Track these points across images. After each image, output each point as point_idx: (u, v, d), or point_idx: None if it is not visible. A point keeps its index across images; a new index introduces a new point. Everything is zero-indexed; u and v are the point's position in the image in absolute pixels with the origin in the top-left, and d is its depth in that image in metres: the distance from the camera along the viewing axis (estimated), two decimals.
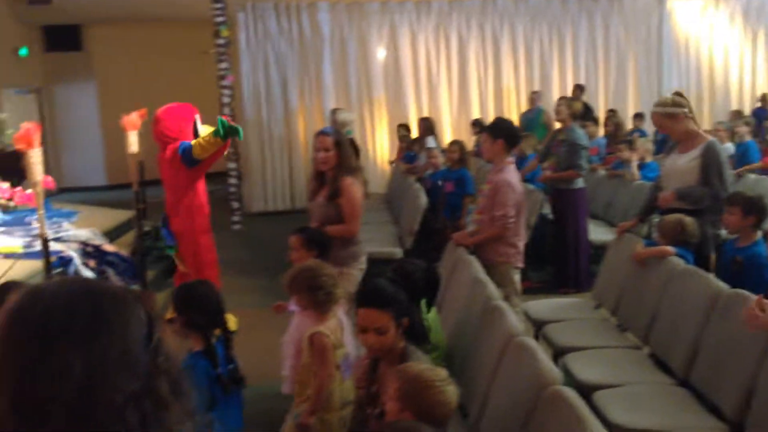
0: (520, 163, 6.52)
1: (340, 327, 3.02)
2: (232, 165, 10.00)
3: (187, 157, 5.04)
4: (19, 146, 4.54)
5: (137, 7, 12.05)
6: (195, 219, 5.33)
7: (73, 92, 13.86)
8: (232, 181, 10.05)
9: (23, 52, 12.17)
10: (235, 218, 10.01)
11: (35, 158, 4.54)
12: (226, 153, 5.49)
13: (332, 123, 7.18)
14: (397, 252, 6.44)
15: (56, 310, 0.89)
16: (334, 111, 7.66)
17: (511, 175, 4.54)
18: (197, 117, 5.43)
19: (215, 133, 4.79)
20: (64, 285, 0.95)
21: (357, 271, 4.20)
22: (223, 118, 4.86)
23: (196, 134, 5.28)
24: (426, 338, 2.79)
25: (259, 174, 11.03)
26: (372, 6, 11.11)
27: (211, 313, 3.06)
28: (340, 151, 4.19)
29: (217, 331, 3.08)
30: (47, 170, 5.28)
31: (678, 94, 4.72)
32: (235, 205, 10.06)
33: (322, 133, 4.29)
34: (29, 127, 4.51)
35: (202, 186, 5.41)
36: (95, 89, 13.89)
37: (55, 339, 0.86)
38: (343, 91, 11.09)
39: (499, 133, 4.56)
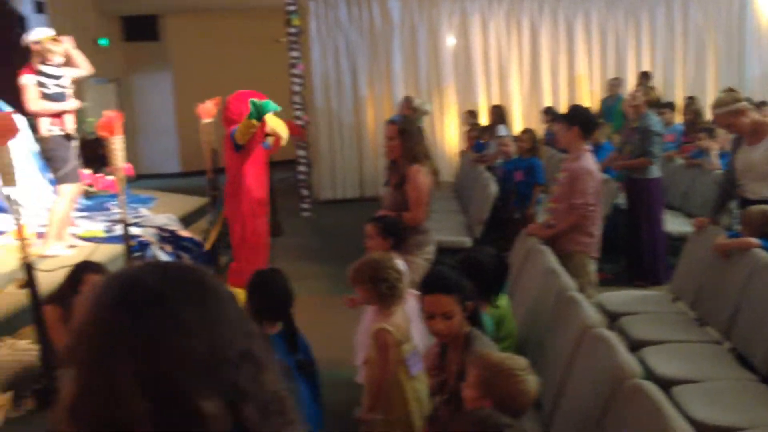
0: (595, 151, 6.37)
1: (406, 320, 3.00)
2: (301, 153, 10.11)
3: (233, 140, 5.08)
4: (102, 134, 4.71)
5: None
6: (242, 202, 5.31)
7: (149, 81, 14.26)
8: (302, 168, 10.16)
9: (104, 42, 12.57)
10: (304, 206, 10.13)
11: (117, 145, 4.69)
12: (269, 138, 5.40)
13: (403, 110, 7.16)
14: (466, 241, 6.40)
15: (165, 280, 0.89)
16: (408, 98, 7.63)
17: (589, 162, 4.45)
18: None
19: (249, 115, 4.77)
20: (154, 263, 0.96)
21: (422, 260, 4.19)
22: (253, 98, 4.84)
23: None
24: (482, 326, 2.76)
25: (328, 162, 11.12)
26: None
27: (272, 303, 3.05)
28: (404, 139, 4.20)
29: (278, 324, 3.07)
30: (126, 157, 5.42)
31: (730, 89, 4.65)
32: (305, 192, 10.18)
33: (388, 122, 4.34)
34: (112, 115, 4.67)
35: (252, 170, 5.34)
36: (171, 78, 14.25)
37: (175, 303, 0.86)
38: (413, 79, 11.06)
39: (574, 120, 4.47)
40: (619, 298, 4.67)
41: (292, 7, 9.60)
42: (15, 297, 4.60)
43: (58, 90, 5.91)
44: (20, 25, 9.88)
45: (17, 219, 4.00)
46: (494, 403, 2.03)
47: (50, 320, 3.82)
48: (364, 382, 3.05)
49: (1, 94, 7.50)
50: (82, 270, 4.03)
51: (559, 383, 2.97)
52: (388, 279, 2.98)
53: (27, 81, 5.80)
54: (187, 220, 8.08)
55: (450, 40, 11.16)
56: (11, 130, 3.46)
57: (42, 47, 5.78)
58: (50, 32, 6.03)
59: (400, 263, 3.11)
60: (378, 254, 3.19)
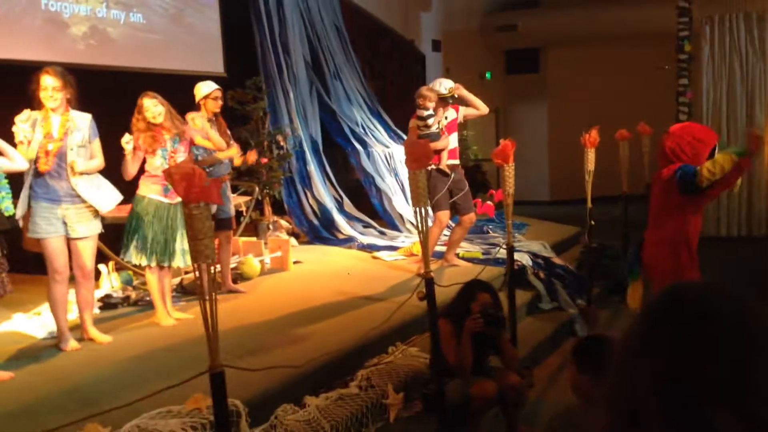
0: None
1: None
2: None
3: (685, 181, 4.27)
4: (497, 161, 4.96)
5: (598, 27, 12.31)
6: (679, 253, 4.43)
7: (526, 112, 14.79)
8: None
9: (488, 75, 13.42)
10: None
11: (509, 172, 4.91)
12: (738, 185, 4.42)
13: None
14: None
15: (708, 298, 0.95)
16: None
17: None
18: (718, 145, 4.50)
19: (737, 152, 4.07)
20: (697, 282, 1.01)
21: None
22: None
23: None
24: None
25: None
26: None
27: None
28: None
29: None
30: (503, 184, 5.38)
31: None
32: None
33: None
34: (506, 144, 4.89)
35: (696, 221, 4.47)
36: (546, 108, 14.60)
37: (713, 322, 0.90)
38: None
39: None
40: None
41: (684, 33, 9.11)
42: (409, 307, 5.05)
43: (434, 131, 6.65)
44: (421, 63, 11.01)
45: (417, 237, 4.40)
46: None
47: (443, 333, 4.10)
48: None
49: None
50: (474, 288, 4.28)
51: None
52: None
53: (410, 124, 6.80)
54: (558, 248, 8.12)
55: None
56: (427, 156, 3.82)
57: (438, 98, 6.62)
58: (450, 85, 6.82)
59: None
60: None
